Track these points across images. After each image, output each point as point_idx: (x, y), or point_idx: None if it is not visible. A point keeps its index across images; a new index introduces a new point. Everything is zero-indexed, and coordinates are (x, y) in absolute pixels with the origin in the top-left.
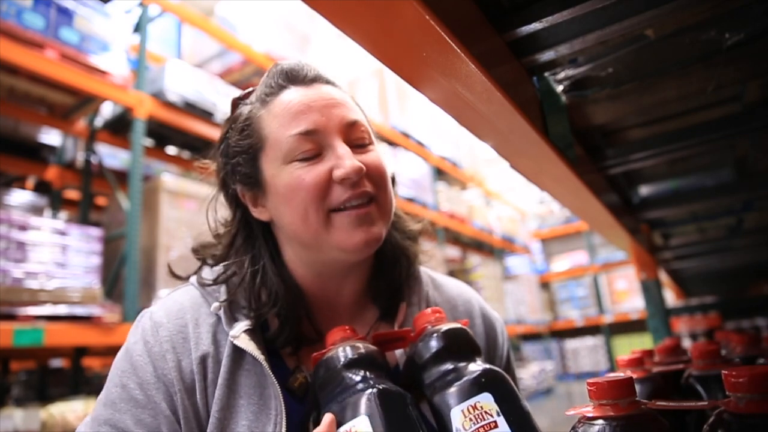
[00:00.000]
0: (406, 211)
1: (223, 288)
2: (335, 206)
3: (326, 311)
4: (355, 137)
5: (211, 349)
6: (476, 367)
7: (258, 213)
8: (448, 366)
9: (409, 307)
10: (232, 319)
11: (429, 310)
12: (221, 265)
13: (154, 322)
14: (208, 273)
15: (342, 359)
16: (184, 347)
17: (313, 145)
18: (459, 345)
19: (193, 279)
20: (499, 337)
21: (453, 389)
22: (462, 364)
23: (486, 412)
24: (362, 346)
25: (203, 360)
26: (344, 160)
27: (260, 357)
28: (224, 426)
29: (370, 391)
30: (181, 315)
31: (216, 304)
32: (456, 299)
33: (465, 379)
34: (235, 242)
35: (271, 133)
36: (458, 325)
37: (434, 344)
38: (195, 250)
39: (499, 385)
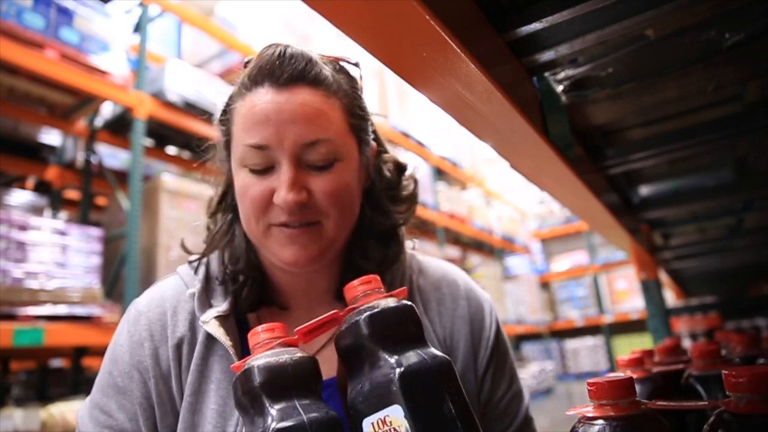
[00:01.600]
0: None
1: (200, 274)
2: (273, 223)
3: (301, 307)
4: (314, 158)
5: (187, 335)
6: (393, 366)
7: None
8: (365, 364)
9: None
10: (207, 305)
11: (356, 282)
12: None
13: (136, 311)
14: (192, 262)
15: (257, 380)
16: (161, 335)
17: (263, 159)
18: (383, 333)
19: (181, 267)
20: (486, 318)
21: (361, 397)
22: (382, 361)
23: (395, 429)
24: (284, 359)
25: (179, 346)
26: (283, 189)
27: (227, 343)
28: (195, 410)
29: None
30: (162, 303)
31: (190, 290)
32: (440, 281)
33: (375, 385)
34: (224, 198)
35: (234, 132)
36: (387, 305)
37: (348, 338)
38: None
39: (415, 392)
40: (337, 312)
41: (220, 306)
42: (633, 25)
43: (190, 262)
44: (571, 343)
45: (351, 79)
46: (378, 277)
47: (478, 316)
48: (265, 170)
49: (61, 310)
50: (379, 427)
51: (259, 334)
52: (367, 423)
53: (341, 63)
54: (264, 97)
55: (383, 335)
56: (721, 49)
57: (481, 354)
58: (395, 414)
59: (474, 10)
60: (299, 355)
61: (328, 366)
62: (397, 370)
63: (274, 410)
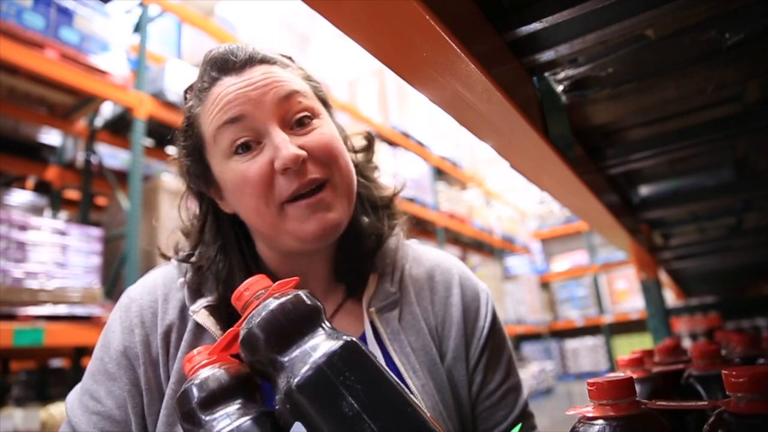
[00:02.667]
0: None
1: (191, 266)
2: (285, 198)
3: (300, 286)
4: (294, 112)
5: (176, 323)
6: (283, 384)
7: (224, 206)
8: (268, 374)
9: (381, 278)
10: (197, 295)
11: (241, 287)
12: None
13: (128, 298)
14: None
15: (192, 400)
16: (152, 322)
17: (247, 134)
18: (270, 341)
19: (173, 257)
20: (481, 309)
21: (277, 413)
22: (278, 372)
23: None
24: (210, 378)
25: (167, 333)
26: (281, 149)
27: (217, 333)
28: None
29: None
30: (153, 291)
31: (181, 280)
32: (434, 269)
33: (279, 402)
34: (203, 236)
35: (206, 130)
36: (267, 309)
37: (245, 354)
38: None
39: (307, 406)
40: (235, 329)
41: (210, 295)
42: (633, 25)
43: (180, 260)
44: (571, 343)
45: (298, 64)
46: (263, 276)
47: (473, 305)
48: (253, 150)
49: (61, 310)
50: None
51: (194, 357)
52: None
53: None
54: (225, 85)
55: (271, 343)
56: (721, 49)
57: (474, 344)
58: (302, 430)
59: (474, 10)
60: (221, 369)
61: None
62: (285, 389)
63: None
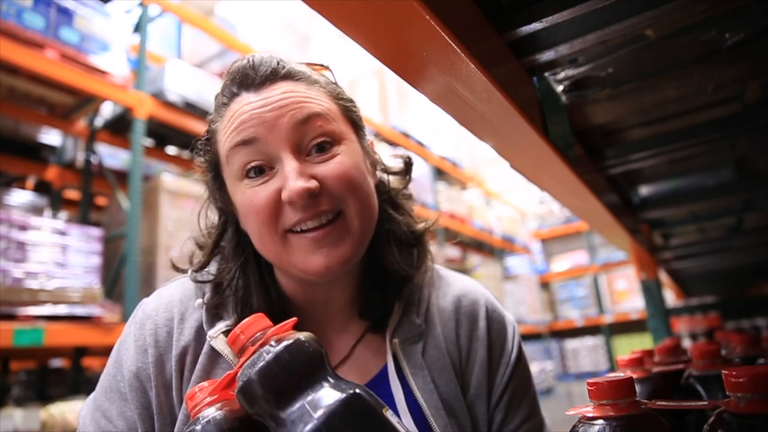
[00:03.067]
0: (409, 208)
1: (210, 285)
2: (288, 227)
3: (315, 322)
4: (312, 137)
5: (192, 344)
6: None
7: (242, 225)
8: (268, 423)
9: (407, 308)
10: (216, 318)
11: (237, 329)
12: (216, 265)
13: (144, 314)
14: (207, 269)
15: None
16: (167, 342)
17: (259, 158)
18: (270, 391)
19: (190, 272)
20: (508, 343)
21: None
22: (278, 427)
23: None
24: (210, 423)
25: (182, 355)
26: (288, 180)
27: (234, 361)
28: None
29: None
30: (170, 308)
31: (199, 301)
32: (461, 300)
33: None
34: (217, 247)
35: (221, 149)
36: (267, 357)
37: (244, 404)
38: (199, 246)
39: None
40: (234, 371)
41: (229, 319)
42: (633, 25)
43: (197, 280)
44: (571, 343)
45: (330, 78)
46: (261, 316)
47: (499, 340)
48: (265, 174)
49: (61, 310)
50: None
51: (195, 394)
52: None
53: (314, 67)
54: (243, 102)
55: (268, 397)
56: (721, 49)
57: (497, 381)
58: None
59: (474, 10)
60: (223, 411)
61: (357, 371)
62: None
63: None
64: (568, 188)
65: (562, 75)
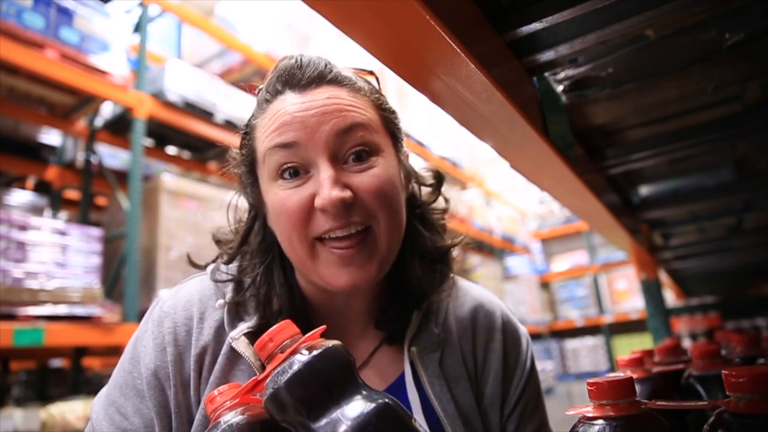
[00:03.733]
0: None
1: (231, 285)
2: (317, 235)
3: (334, 327)
4: (351, 146)
5: (211, 345)
6: None
7: (270, 224)
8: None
9: (426, 317)
10: (237, 319)
11: (266, 336)
12: (236, 264)
13: (163, 312)
14: (225, 268)
15: None
16: (186, 341)
17: (295, 161)
18: (299, 400)
19: (210, 268)
20: (522, 355)
21: None
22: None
23: None
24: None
25: (201, 355)
26: (324, 188)
27: (256, 363)
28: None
29: None
30: (189, 307)
31: (221, 301)
32: (478, 311)
33: None
34: (246, 242)
35: (259, 146)
36: (296, 367)
37: (272, 412)
38: (217, 241)
39: None
40: (261, 377)
41: (251, 320)
42: (633, 25)
43: (218, 280)
44: (571, 343)
45: (372, 84)
46: (289, 323)
47: (513, 352)
48: (300, 177)
49: (61, 310)
50: None
51: (215, 398)
52: None
53: (360, 72)
54: (287, 102)
55: (298, 406)
56: (721, 49)
57: (511, 393)
58: None
59: (474, 10)
60: (245, 416)
61: (374, 378)
62: None
63: None
64: (568, 188)
65: (562, 75)
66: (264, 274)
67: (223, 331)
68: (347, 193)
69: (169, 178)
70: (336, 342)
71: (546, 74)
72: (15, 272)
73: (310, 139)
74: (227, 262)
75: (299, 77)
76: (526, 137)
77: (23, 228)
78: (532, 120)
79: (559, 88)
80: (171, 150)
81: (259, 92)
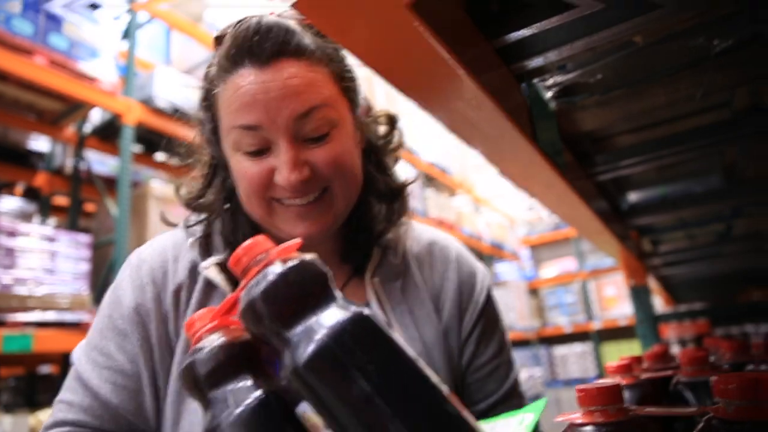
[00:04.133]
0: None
1: (201, 227)
2: (277, 198)
3: None
4: (310, 128)
5: (186, 282)
6: (289, 360)
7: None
8: (273, 346)
9: (385, 251)
10: (207, 254)
11: (239, 250)
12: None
13: (139, 259)
14: (195, 217)
15: (201, 371)
16: (163, 281)
17: (257, 140)
18: (273, 311)
19: (181, 223)
20: (477, 285)
21: (283, 390)
22: (284, 346)
23: (314, 425)
24: (212, 350)
25: (177, 292)
26: (285, 170)
27: (227, 289)
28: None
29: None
30: (163, 252)
31: (191, 239)
32: (432, 244)
33: (285, 378)
34: (210, 185)
35: (222, 117)
36: (271, 276)
37: (247, 324)
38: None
39: (315, 385)
40: (235, 294)
41: (219, 254)
42: (621, 31)
43: (188, 226)
44: (559, 350)
45: (333, 42)
46: (263, 238)
47: (469, 281)
48: (261, 152)
49: (50, 316)
50: (305, 421)
51: (195, 322)
52: (298, 413)
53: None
54: (247, 78)
55: (273, 316)
56: (709, 55)
57: (467, 318)
58: (309, 410)
59: (463, 16)
60: (224, 337)
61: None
62: (291, 367)
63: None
64: (557, 195)
65: (551, 81)
66: (230, 214)
67: (197, 269)
68: (305, 173)
69: (158, 185)
70: (311, 255)
71: (535, 81)
72: (3, 278)
73: (271, 123)
74: (192, 200)
75: (259, 50)
76: (515, 144)
77: (12, 234)
78: (522, 126)
79: (548, 94)
80: (160, 156)
81: (218, 56)
